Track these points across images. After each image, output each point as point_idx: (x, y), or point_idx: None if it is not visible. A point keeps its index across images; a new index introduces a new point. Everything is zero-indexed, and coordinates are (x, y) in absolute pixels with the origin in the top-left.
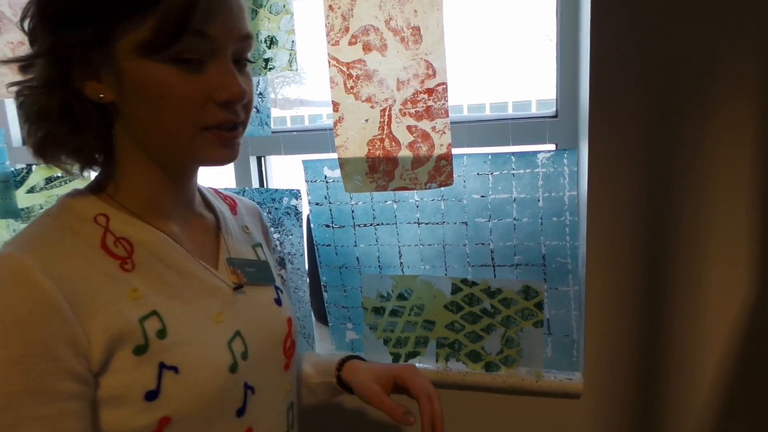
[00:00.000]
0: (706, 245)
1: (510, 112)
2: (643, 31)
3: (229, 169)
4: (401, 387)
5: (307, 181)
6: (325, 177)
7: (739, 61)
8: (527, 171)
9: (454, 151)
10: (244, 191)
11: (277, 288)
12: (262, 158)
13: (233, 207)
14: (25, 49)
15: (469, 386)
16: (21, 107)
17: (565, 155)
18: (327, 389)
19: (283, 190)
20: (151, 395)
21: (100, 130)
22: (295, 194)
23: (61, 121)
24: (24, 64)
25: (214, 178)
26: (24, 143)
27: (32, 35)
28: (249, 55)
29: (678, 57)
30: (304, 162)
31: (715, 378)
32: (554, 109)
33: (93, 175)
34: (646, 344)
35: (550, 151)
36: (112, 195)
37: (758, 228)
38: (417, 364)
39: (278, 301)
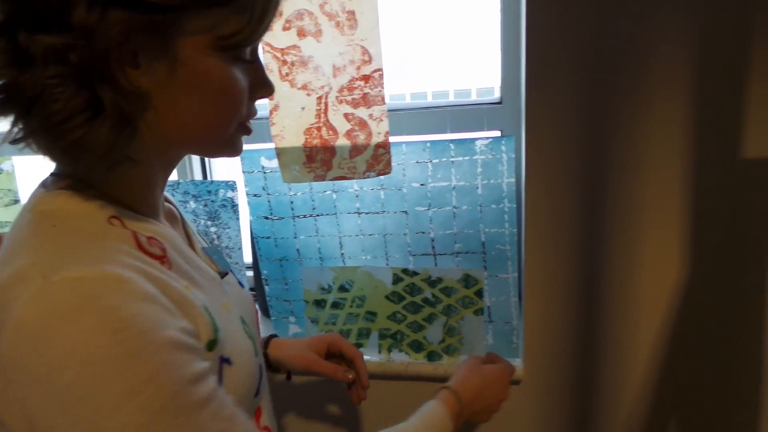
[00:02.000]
0: (640, 230)
1: (451, 99)
2: (578, 17)
3: None
4: (333, 353)
5: (244, 172)
6: (263, 167)
7: (670, 48)
8: (466, 158)
9: (398, 139)
10: (179, 184)
11: (232, 271)
12: None
13: None
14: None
15: (412, 377)
16: (37, 104)
17: (503, 142)
18: None
19: (219, 181)
20: None
21: (134, 123)
22: (231, 186)
23: (93, 115)
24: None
25: None
26: None
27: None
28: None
29: (613, 43)
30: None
31: (648, 359)
32: (498, 95)
33: None
34: (584, 329)
35: (488, 138)
36: (104, 190)
37: (689, 212)
38: None
39: (241, 284)
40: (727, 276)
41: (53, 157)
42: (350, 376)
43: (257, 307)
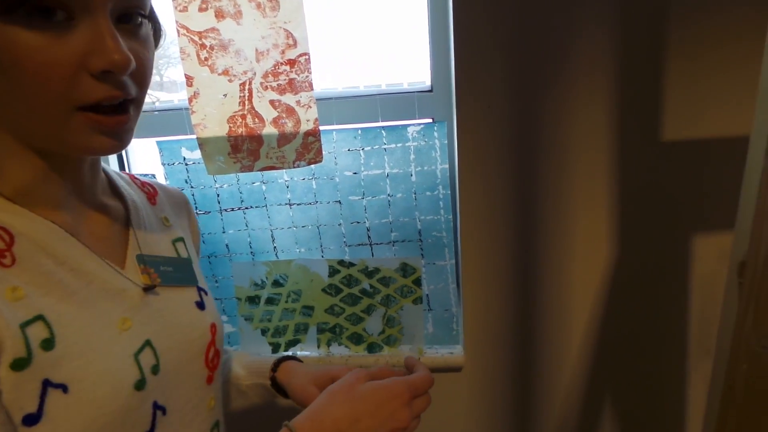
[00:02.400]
0: (571, 212)
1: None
2: (505, 3)
3: None
4: None
5: (163, 164)
6: (184, 159)
7: (592, 34)
8: (399, 145)
9: (328, 129)
10: None
11: (200, 289)
12: None
13: (152, 196)
14: None
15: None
16: None
17: (435, 128)
18: (259, 392)
19: (134, 175)
20: (31, 419)
21: None
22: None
23: None
24: None
25: None
26: None
27: None
28: (142, 10)
29: (539, 30)
30: (159, 143)
31: (583, 339)
32: (429, 83)
33: None
34: (522, 313)
35: (420, 124)
36: None
37: (616, 194)
38: (298, 352)
39: (200, 305)
40: (654, 253)
41: None
42: None
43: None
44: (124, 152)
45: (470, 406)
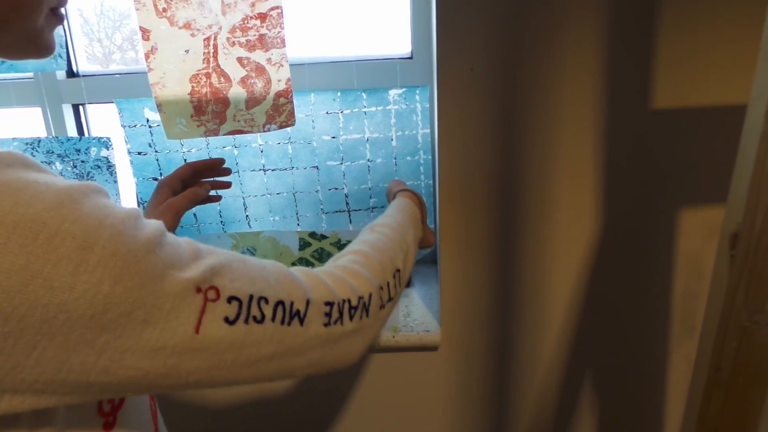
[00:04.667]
0: (555, 182)
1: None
2: None
3: (38, 119)
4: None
5: (123, 126)
6: (147, 120)
7: None
8: (379, 109)
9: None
10: (40, 141)
11: None
12: (80, 107)
13: None
14: None
15: None
16: None
17: (417, 92)
18: None
19: (89, 138)
20: None
21: None
22: (105, 143)
23: None
24: None
25: (25, 129)
26: None
27: None
28: None
29: None
30: (118, 102)
31: (565, 315)
32: (409, 49)
33: None
34: (501, 288)
35: (402, 88)
36: None
37: (602, 163)
38: None
39: None
40: (639, 227)
41: None
42: (208, 187)
43: None
44: (82, 115)
45: (447, 386)
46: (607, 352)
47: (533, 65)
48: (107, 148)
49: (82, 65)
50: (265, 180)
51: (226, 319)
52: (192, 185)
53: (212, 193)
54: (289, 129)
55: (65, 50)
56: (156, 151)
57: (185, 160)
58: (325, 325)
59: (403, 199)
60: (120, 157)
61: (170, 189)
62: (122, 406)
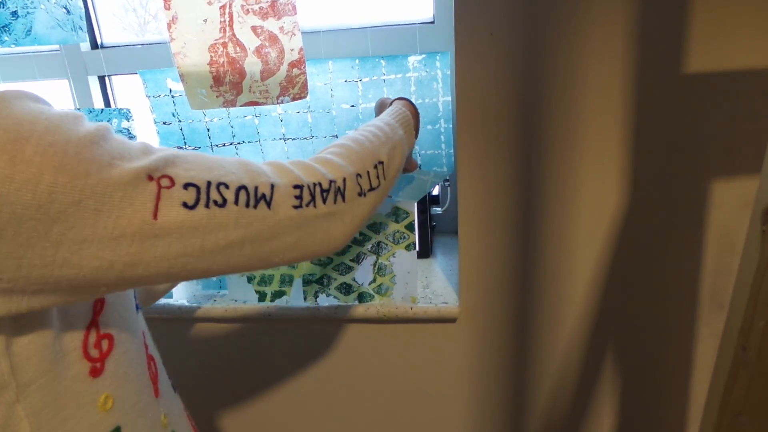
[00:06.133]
0: (579, 151)
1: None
2: None
3: (65, 90)
4: None
5: (148, 97)
6: (170, 91)
7: None
8: (398, 76)
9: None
10: None
11: None
12: (106, 79)
13: None
14: None
15: (342, 319)
16: None
17: (438, 58)
18: None
19: (110, 110)
20: None
21: None
22: (125, 115)
23: None
24: None
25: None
26: None
27: None
28: None
29: None
30: (142, 74)
31: (587, 291)
32: (431, 14)
33: None
34: (521, 261)
35: (421, 54)
36: None
37: (629, 132)
38: (284, 304)
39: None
40: (668, 199)
41: None
42: None
43: None
44: (108, 87)
45: (464, 359)
46: (632, 327)
47: (556, 29)
48: (128, 120)
49: (117, 37)
50: (285, 149)
51: (185, 204)
52: None
53: None
54: (308, 98)
55: (86, 22)
56: (179, 121)
57: (208, 129)
58: (296, 207)
59: (397, 105)
60: (144, 128)
61: None
62: (110, 353)
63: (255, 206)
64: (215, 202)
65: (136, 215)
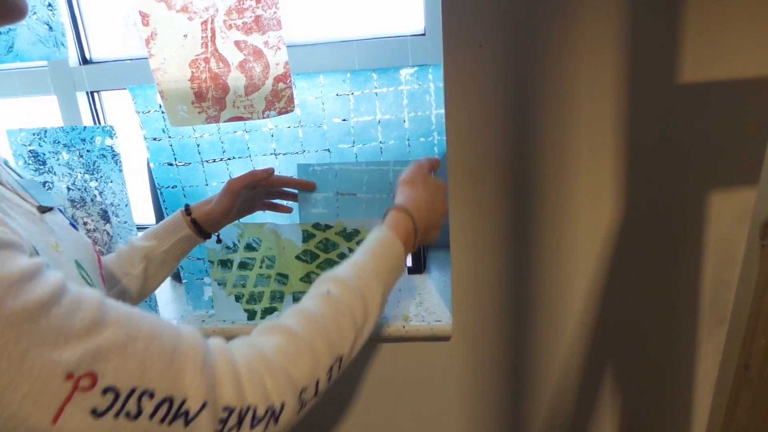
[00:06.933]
0: (572, 163)
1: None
2: None
3: (53, 106)
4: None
5: (137, 113)
6: (160, 106)
7: None
8: (390, 89)
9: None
10: (46, 131)
11: (60, 210)
12: (95, 94)
13: None
14: None
15: None
16: None
17: (430, 71)
18: (179, 248)
19: (93, 127)
20: None
21: None
22: (109, 132)
23: None
24: None
25: (41, 119)
26: None
27: None
28: None
29: None
30: (131, 89)
31: (583, 306)
32: (422, 26)
33: None
34: (515, 277)
35: (413, 67)
36: None
37: (623, 145)
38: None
39: (74, 226)
40: (665, 212)
41: None
42: (271, 170)
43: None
44: (98, 104)
45: (458, 378)
46: (630, 345)
47: (547, 40)
48: (111, 137)
49: (123, 51)
50: (277, 164)
51: (94, 411)
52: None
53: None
54: (298, 112)
55: (75, 37)
56: (170, 137)
57: (198, 145)
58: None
59: (386, 231)
60: (133, 144)
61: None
62: None
63: (170, 423)
64: (127, 414)
65: (35, 415)
